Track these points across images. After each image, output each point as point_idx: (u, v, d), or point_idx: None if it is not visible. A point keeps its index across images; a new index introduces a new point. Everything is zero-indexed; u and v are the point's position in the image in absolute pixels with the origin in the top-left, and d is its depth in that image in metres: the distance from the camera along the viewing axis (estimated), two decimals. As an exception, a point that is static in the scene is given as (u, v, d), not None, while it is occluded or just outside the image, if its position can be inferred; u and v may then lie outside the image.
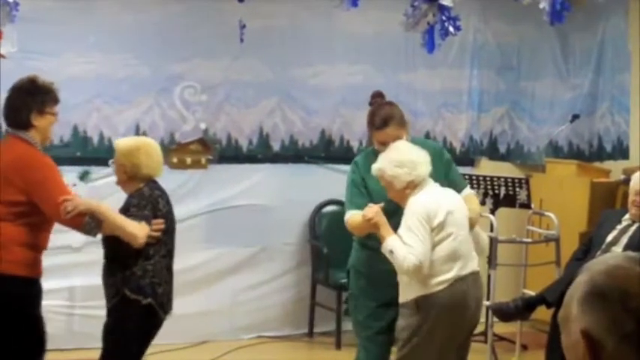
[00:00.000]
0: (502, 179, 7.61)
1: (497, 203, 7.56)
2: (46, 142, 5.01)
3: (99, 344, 7.51)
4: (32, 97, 4.80)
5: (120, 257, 5.06)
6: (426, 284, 4.83)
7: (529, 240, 7.48)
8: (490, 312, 6.94)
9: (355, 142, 8.32)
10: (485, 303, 7.19)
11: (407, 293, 4.91)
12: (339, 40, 8.29)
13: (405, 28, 6.37)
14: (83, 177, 7.51)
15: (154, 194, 5.14)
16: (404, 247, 4.76)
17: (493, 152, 9.05)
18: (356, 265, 5.40)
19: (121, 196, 7.63)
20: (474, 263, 5.00)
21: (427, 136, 8.63)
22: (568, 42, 8.92)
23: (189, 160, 7.89)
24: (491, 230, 7.11)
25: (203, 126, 7.91)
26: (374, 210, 4.91)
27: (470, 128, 8.89)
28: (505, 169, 8.65)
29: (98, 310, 7.62)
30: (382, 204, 4.95)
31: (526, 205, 7.53)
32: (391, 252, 4.80)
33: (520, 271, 7.62)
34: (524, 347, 7.52)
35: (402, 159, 4.90)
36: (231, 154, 8.03)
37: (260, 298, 8.08)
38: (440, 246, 4.84)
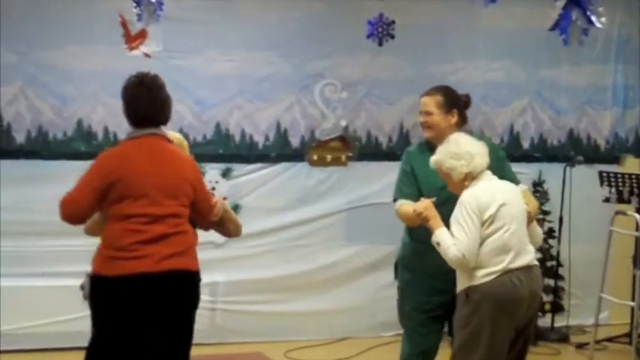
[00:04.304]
0: (648, 178, 7.44)
1: (644, 202, 7.41)
2: None
3: (240, 339, 7.70)
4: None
5: None
6: (474, 275, 4.81)
7: (676, 240, 7.30)
8: (635, 314, 6.79)
9: (496, 138, 8.22)
10: (631, 304, 7.05)
11: (460, 284, 4.92)
12: (480, 37, 8.21)
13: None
14: (225, 174, 7.63)
15: None
16: (451, 239, 4.79)
17: (639, 150, 8.84)
18: (403, 258, 5.46)
19: (260, 193, 7.78)
20: (528, 257, 4.90)
21: (571, 133, 8.51)
22: None
23: (329, 158, 7.93)
24: (637, 229, 6.96)
25: (343, 123, 7.95)
26: (424, 204, 4.95)
27: (615, 125, 8.71)
28: (651, 167, 8.45)
29: (239, 305, 7.79)
30: (434, 199, 4.98)
31: (673, 205, 7.36)
32: (438, 244, 4.85)
33: (667, 271, 7.42)
34: (670, 349, 7.33)
35: (458, 151, 4.90)
36: (371, 152, 8.05)
37: (400, 295, 8.06)
38: (490, 238, 4.80)
